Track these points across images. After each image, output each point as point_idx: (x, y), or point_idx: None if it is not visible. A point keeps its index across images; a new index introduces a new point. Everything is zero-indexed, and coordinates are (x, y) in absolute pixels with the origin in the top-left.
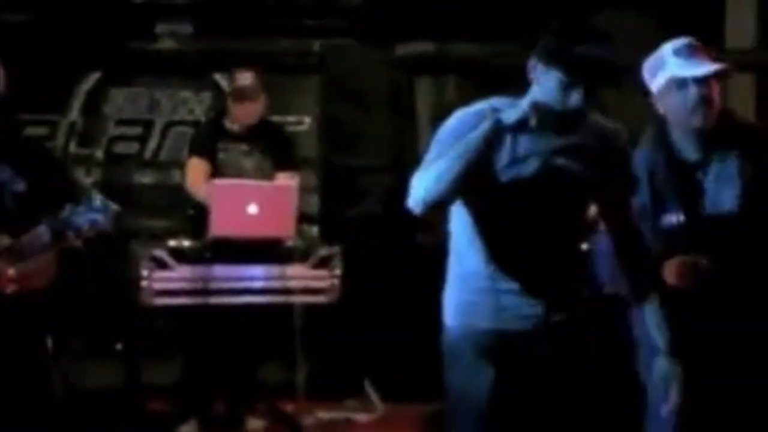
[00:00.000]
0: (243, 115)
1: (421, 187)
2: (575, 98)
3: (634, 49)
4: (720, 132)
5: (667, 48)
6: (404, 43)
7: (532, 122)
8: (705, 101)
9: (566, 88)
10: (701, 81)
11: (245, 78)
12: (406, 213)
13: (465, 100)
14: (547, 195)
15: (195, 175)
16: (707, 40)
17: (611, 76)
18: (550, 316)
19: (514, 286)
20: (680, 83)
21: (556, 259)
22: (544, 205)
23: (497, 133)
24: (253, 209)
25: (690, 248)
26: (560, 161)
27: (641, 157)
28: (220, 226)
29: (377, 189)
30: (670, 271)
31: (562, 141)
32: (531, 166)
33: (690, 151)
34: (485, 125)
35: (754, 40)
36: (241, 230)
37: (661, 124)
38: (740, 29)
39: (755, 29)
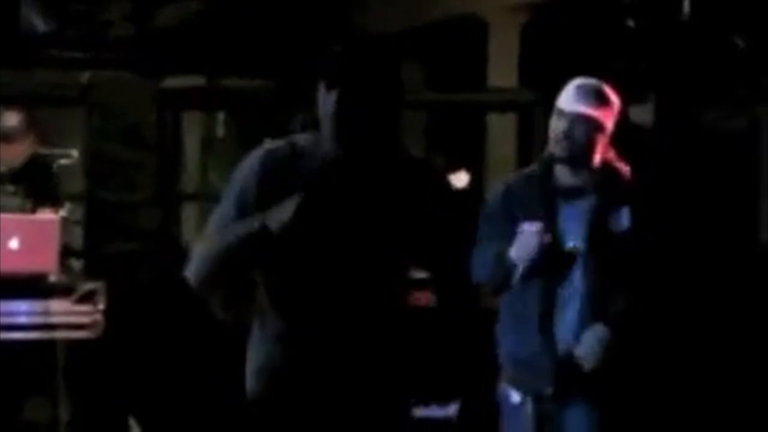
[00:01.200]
0: (8, 155)
1: (193, 262)
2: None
3: None
4: None
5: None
6: (174, 77)
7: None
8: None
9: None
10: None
11: (9, 119)
12: (171, 248)
13: (234, 135)
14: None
15: None
16: (470, 79)
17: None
18: None
19: None
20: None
21: None
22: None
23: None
24: (14, 243)
25: None
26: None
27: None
28: None
29: (143, 224)
30: None
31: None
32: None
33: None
34: (252, 227)
35: (515, 78)
36: (2, 265)
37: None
38: (503, 68)
39: (517, 68)
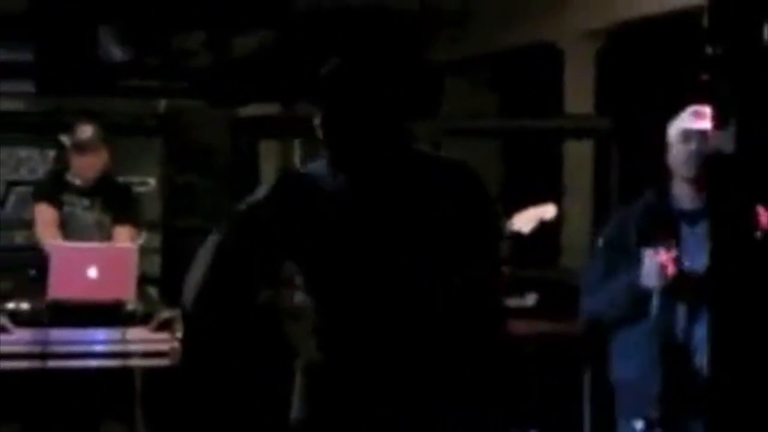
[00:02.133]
0: (84, 167)
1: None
2: None
3: (470, 114)
4: None
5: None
6: (248, 105)
7: None
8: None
9: None
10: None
11: (85, 131)
12: None
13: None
14: None
15: (45, 221)
16: (546, 105)
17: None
18: None
19: None
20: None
21: None
22: None
23: None
24: (92, 272)
25: None
26: None
27: None
28: (58, 289)
29: None
30: None
31: None
32: None
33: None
34: None
35: (591, 105)
36: (80, 293)
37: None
38: (579, 95)
39: (593, 95)
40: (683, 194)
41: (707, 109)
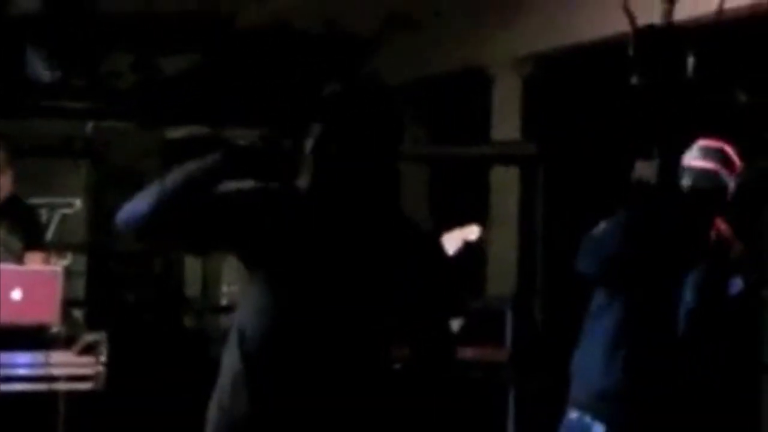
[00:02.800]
0: None
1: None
2: None
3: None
4: None
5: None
6: (177, 127)
7: None
8: None
9: None
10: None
11: None
12: (173, 298)
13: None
14: None
15: None
16: (474, 131)
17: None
18: None
19: None
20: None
21: None
22: None
23: None
24: (16, 295)
25: None
26: None
27: None
28: None
29: (146, 274)
30: None
31: None
32: None
33: None
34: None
35: (518, 131)
36: (3, 316)
37: None
38: (506, 121)
39: (520, 121)
40: None
41: (719, 146)
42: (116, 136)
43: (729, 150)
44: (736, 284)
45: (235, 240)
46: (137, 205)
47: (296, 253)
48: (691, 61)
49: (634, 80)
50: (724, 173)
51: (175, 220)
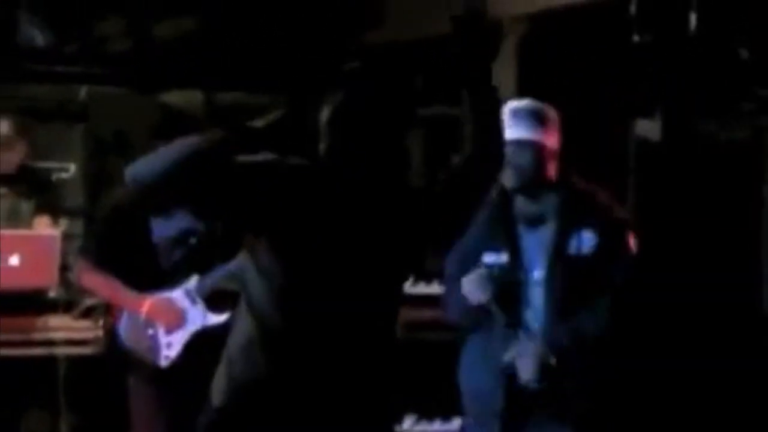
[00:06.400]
0: (1, 162)
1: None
2: None
3: None
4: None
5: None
6: (171, 91)
7: None
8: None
9: None
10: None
11: (2, 126)
12: None
13: None
14: None
15: None
16: None
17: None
18: None
19: None
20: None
21: None
22: None
23: None
24: (14, 260)
25: None
26: None
27: None
28: None
29: None
30: None
31: None
32: None
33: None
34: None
35: (513, 93)
36: (2, 281)
37: None
38: (501, 82)
39: (515, 82)
40: (519, 198)
41: (529, 107)
42: (110, 101)
43: (543, 108)
44: (585, 241)
45: (241, 213)
46: (149, 164)
47: (306, 221)
48: (693, 17)
49: (636, 38)
50: (540, 138)
51: (183, 186)
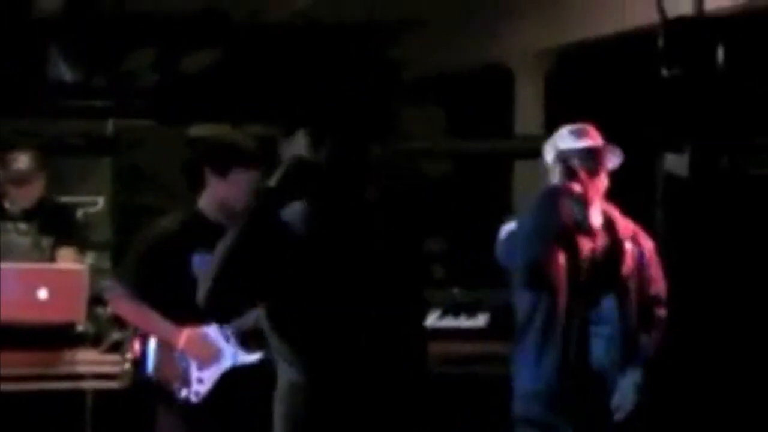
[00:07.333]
0: (20, 197)
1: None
2: None
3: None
4: None
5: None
6: (199, 125)
7: None
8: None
9: None
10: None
11: (21, 161)
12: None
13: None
14: None
15: None
16: (496, 126)
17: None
18: None
19: None
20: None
21: None
22: None
23: None
24: (43, 294)
25: None
26: None
27: None
28: (8, 311)
29: None
30: None
31: None
32: None
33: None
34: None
35: (541, 127)
36: (30, 315)
37: None
38: (529, 115)
39: (543, 115)
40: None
41: (588, 127)
42: (138, 134)
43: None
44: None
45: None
46: (202, 289)
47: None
48: (721, 51)
49: (664, 72)
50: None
51: (234, 295)
